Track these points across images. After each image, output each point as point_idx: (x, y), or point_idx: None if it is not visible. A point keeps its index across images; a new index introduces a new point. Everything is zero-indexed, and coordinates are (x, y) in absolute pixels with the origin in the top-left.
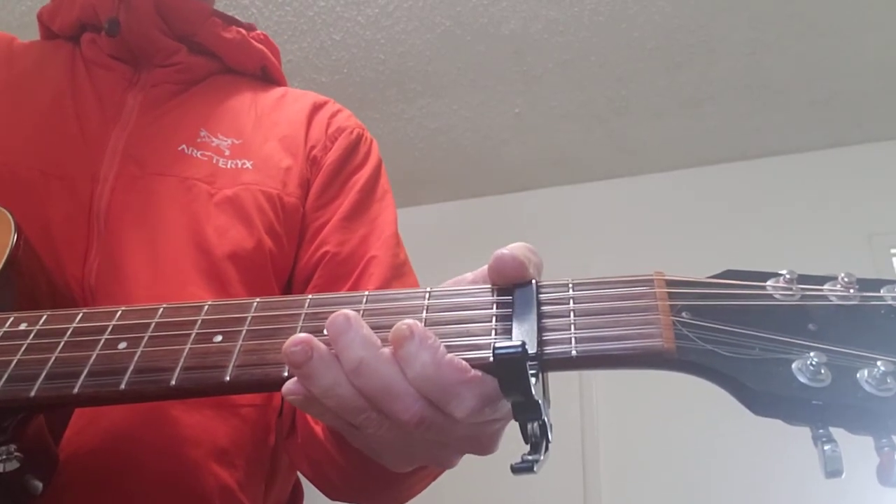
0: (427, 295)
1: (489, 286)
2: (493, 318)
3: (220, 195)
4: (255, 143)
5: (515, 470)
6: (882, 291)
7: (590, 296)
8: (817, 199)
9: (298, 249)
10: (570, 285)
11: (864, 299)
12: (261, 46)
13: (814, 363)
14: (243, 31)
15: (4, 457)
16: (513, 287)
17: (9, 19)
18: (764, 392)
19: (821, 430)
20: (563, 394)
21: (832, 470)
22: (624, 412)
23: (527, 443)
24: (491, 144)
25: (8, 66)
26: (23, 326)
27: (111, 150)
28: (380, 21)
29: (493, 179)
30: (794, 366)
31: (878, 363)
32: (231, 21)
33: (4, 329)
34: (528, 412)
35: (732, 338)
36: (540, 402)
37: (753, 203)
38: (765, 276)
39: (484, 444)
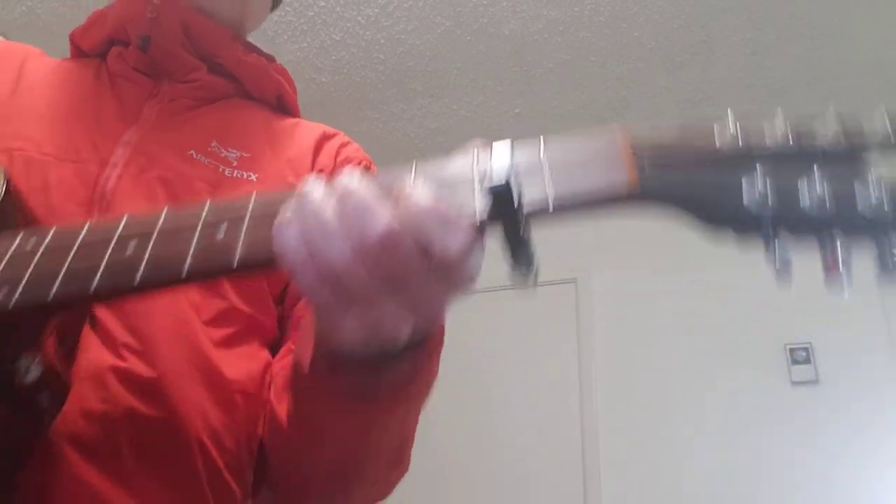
0: (413, 168)
1: (469, 154)
2: (475, 181)
3: (220, 198)
4: (263, 158)
5: (514, 275)
6: (815, 133)
7: (560, 149)
8: None
9: None
10: (542, 143)
11: (797, 139)
12: (279, 77)
13: (760, 183)
14: (263, 60)
15: (27, 366)
16: (490, 148)
17: (9, 19)
18: (718, 211)
19: (769, 237)
20: (563, 394)
21: (782, 264)
22: (624, 413)
23: (514, 262)
24: None
25: (36, 71)
26: (32, 241)
27: (124, 143)
28: (380, 21)
29: None
30: (743, 186)
31: (816, 177)
32: (252, 48)
33: (15, 244)
34: (516, 229)
35: (688, 170)
36: (524, 222)
37: None
38: (712, 125)
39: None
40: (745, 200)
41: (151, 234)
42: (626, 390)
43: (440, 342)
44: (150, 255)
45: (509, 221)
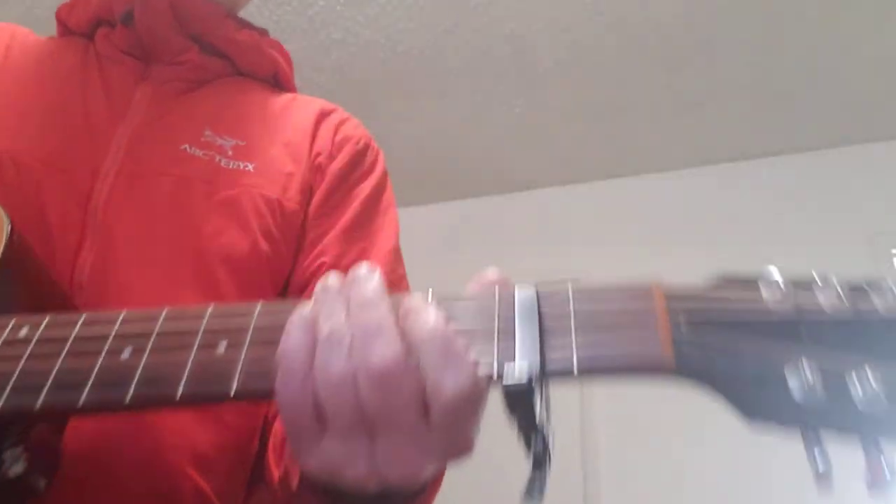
0: (430, 296)
1: (492, 294)
2: (496, 330)
3: (219, 196)
4: (259, 145)
5: (526, 495)
6: (874, 299)
7: (589, 307)
8: (817, 199)
9: (297, 255)
10: (570, 295)
11: (856, 313)
12: (273, 52)
13: (806, 373)
14: (256, 36)
15: (10, 462)
16: (513, 294)
17: (8, 18)
18: (758, 402)
19: (811, 435)
20: (563, 394)
21: (823, 471)
22: (625, 414)
23: (528, 458)
24: (491, 144)
25: (22, 54)
26: (23, 332)
27: (115, 147)
28: (380, 20)
29: (494, 179)
30: (786, 376)
31: (868, 372)
32: (244, 24)
33: (5, 335)
34: (532, 432)
35: (728, 348)
36: (543, 424)
37: (753, 203)
38: (758, 283)
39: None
40: (791, 389)
41: (147, 342)
42: (627, 391)
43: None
44: (142, 372)
45: (525, 416)
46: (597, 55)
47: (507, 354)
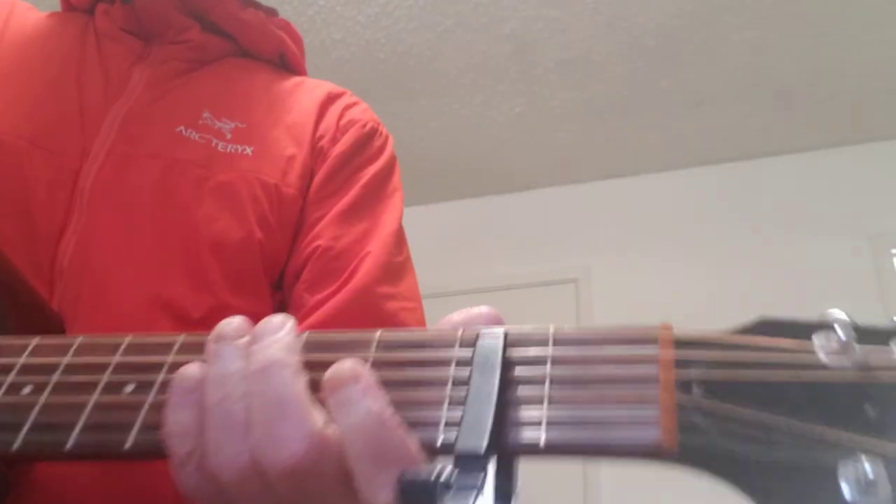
0: (375, 344)
1: (452, 334)
2: (450, 383)
3: (214, 181)
4: (261, 128)
5: None
6: None
7: (573, 357)
8: (817, 199)
9: (294, 242)
10: (550, 339)
11: None
12: (281, 33)
13: (867, 472)
14: (262, 15)
15: None
16: (476, 337)
17: None
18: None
19: None
20: None
21: None
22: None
23: None
24: (491, 144)
25: (20, 30)
26: None
27: (107, 126)
28: (380, 20)
29: (493, 179)
30: (839, 473)
31: None
32: (249, 3)
33: None
34: None
35: (757, 429)
36: None
37: (753, 203)
38: (809, 330)
39: None
40: (844, 496)
41: (51, 377)
42: None
43: None
44: (37, 415)
45: None
46: (597, 55)
47: (454, 425)
